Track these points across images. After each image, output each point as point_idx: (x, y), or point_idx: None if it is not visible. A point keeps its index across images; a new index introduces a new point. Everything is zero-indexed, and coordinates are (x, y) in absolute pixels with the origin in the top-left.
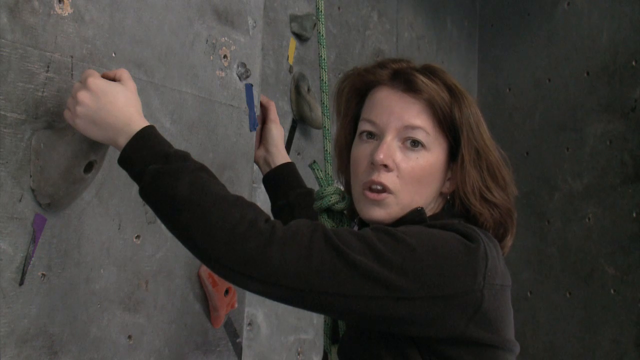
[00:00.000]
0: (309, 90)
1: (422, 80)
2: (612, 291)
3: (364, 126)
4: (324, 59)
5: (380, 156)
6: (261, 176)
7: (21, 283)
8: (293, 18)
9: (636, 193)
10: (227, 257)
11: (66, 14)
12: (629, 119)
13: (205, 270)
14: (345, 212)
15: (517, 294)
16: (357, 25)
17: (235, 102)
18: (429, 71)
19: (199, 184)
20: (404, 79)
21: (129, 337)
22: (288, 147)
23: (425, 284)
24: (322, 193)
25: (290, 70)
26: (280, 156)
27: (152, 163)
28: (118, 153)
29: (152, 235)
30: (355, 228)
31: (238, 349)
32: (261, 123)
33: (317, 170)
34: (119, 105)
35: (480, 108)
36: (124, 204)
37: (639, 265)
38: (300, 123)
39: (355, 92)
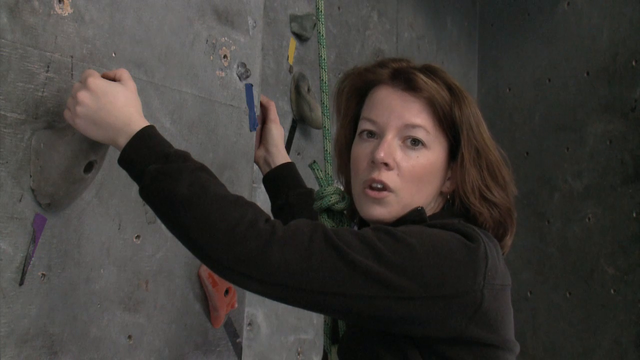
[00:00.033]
0: (309, 90)
1: (422, 79)
2: (612, 291)
3: (364, 125)
4: (324, 59)
5: (381, 154)
6: (261, 176)
7: (21, 283)
8: (293, 18)
9: (636, 193)
10: (227, 257)
11: (66, 14)
12: (629, 119)
13: (205, 270)
14: (345, 212)
15: (517, 294)
16: (357, 25)
17: (235, 102)
18: (429, 70)
19: (199, 183)
20: (404, 77)
21: (129, 337)
22: (288, 147)
23: (425, 284)
24: (322, 193)
25: (290, 70)
26: (280, 156)
27: (152, 163)
28: (118, 153)
29: (152, 235)
30: (355, 228)
31: (238, 349)
32: (261, 123)
33: (317, 170)
34: (118, 105)
35: (480, 108)
36: (124, 204)
37: (639, 265)
38: (300, 123)
39: (356, 91)
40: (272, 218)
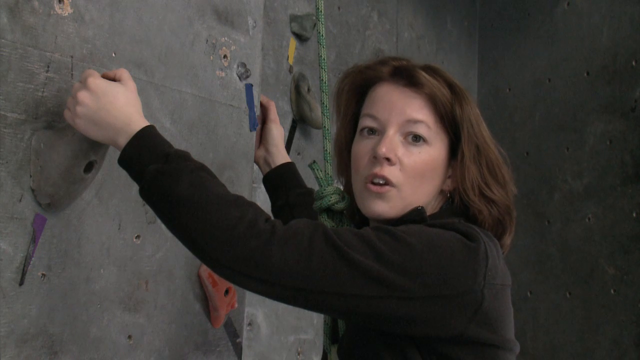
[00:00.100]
0: (309, 90)
1: (423, 75)
2: (612, 291)
3: (365, 122)
4: (324, 59)
5: (383, 149)
6: (261, 176)
7: (21, 283)
8: (293, 18)
9: (636, 193)
10: (227, 256)
11: (66, 14)
12: (629, 119)
13: (205, 270)
14: (345, 212)
15: (517, 294)
16: (357, 25)
17: (235, 102)
18: (430, 69)
19: (199, 183)
20: (405, 74)
21: (129, 337)
22: (288, 147)
23: (425, 284)
24: (322, 193)
25: (290, 70)
26: (280, 156)
27: (152, 163)
28: (118, 153)
29: (152, 235)
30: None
31: (238, 349)
32: (261, 123)
33: (317, 170)
34: (118, 105)
35: (480, 108)
36: (124, 204)
37: (639, 265)
38: (300, 123)
39: (356, 90)
40: (272, 218)
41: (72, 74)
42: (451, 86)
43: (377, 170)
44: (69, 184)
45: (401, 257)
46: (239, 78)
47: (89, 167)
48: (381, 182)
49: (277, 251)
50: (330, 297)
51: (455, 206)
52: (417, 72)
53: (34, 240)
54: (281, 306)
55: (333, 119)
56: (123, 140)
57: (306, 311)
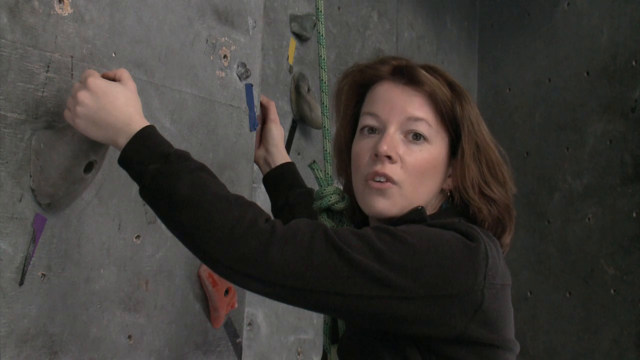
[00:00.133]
0: (309, 90)
1: (423, 73)
2: (612, 291)
3: (365, 120)
4: (324, 59)
5: (384, 147)
6: (261, 176)
7: (21, 283)
8: (293, 18)
9: (636, 193)
10: (227, 256)
11: (66, 14)
12: (629, 119)
13: (205, 270)
14: (344, 212)
15: (517, 294)
16: (357, 25)
17: (235, 102)
18: (430, 68)
19: (199, 183)
20: (405, 72)
21: (129, 337)
22: (288, 147)
23: (425, 284)
24: (322, 193)
25: (290, 70)
26: (280, 156)
27: (152, 163)
28: (118, 153)
29: (152, 235)
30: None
31: (238, 349)
32: (261, 123)
33: (317, 170)
34: (118, 105)
35: (480, 108)
36: (124, 204)
37: (639, 265)
38: (300, 123)
39: (356, 89)
40: (272, 218)
41: (72, 74)
42: (451, 85)
43: (378, 168)
44: (69, 184)
45: (401, 257)
46: (239, 78)
47: (89, 167)
48: (382, 180)
49: (277, 251)
50: (330, 297)
51: (455, 205)
52: (418, 71)
53: (34, 240)
54: (281, 306)
55: (333, 119)
56: (123, 140)
57: (306, 311)
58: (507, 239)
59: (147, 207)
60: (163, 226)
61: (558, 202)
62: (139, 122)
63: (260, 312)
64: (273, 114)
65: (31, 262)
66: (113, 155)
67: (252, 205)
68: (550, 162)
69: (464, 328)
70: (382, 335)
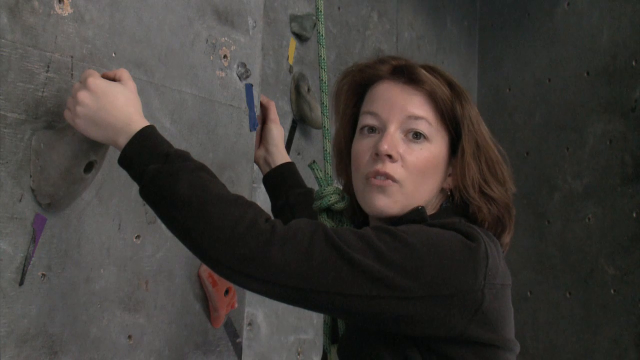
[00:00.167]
0: (309, 90)
1: (423, 73)
2: (612, 291)
3: (365, 120)
4: (324, 59)
5: (385, 146)
6: (261, 176)
7: (21, 283)
8: (293, 18)
9: (636, 193)
10: (227, 256)
11: (66, 14)
12: (629, 119)
13: (205, 270)
14: (344, 212)
15: (517, 294)
16: (357, 25)
17: (235, 102)
18: (429, 67)
19: (199, 183)
20: (405, 72)
21: (129, 337)
22: (288, 147)
23: (425, 283)
24: (322, 193)
25: (290, 70)
26: (280, 156)
27: (152, 163)
28: (118, 153)
29: (152, 235)
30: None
31: (238, 349)
32: (261, 123)
33: (317, 170)
34: (118, 105)
35: (480, 108)
36: (124, 204)
37: (639, 265)
38: (300, 123)
39: (355, 89)
40: (272, 218)
41: (72, 74)
42: (450, 84)
43: (379, 167)
44: (69, 184)
45: (401, 257)
46: (239, 78)
47: (89, 167)
48: (383, 178)
49: (278, 251)
50: (330, 297)
51: (455, 204)
52: (417, 70)
53: (34, 240)
54: (281, 306)
55: (333, 118)
56: (123, 140)
57: (306, 311)
58: (506, 238)
59: (147, 207)
60: (163, 226)
61: (558, 202)
62: (139, 122)
63: (260, 312)
64: (273, 114)
65: (31, 262)
66: (113, 155)
67: (252, 205)
68: (550, 162)
69: (464, 328)
70: (382, 335)
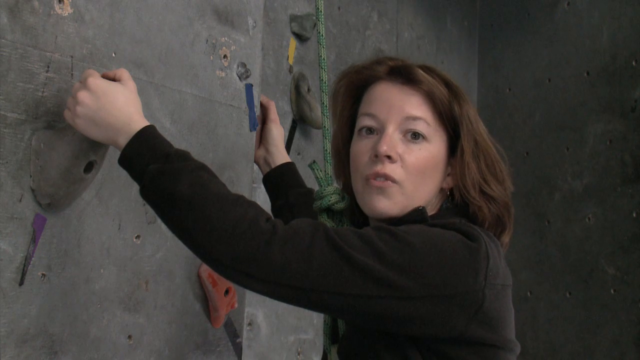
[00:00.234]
0: (309, 90)
1: (421, 73)
2: (612, 291)
3: (363, 121)
4: (324, 59)
5: (384, 147)
6: (261, 176)
7: (21, 283)
8: (293, 18)
9: (636, 193)
10: (228, 256)
11: (66, 14)
12: (629, 119)
13: (205, 270)
14: (344, 212)
15: (517, 294)
16: (357, 25)
17: (235, 102)
18: (426, 67)
19: (199, 183)
20: (402, 72)
21: (129, 337)
22: (288, 147)
23: (426, 284)
24: (322, 193)
25: (290, 70)
26: (280, 156)
27: (152, 163)
28: (118, 153)
29: (152, 235)
30: None
31: (238, 349)
32: (261, 123)
33: (317, 170)
34: (118, 105)
35: (480, 108)
36: (124, 204)
37: (639, 265)
38: (300, 123)
39: (353, 90)
40: (272, 217)
41: (72, 74)
42: (448, 84)
43: (378, 168)
44: (69, 184)
45: (402, 257)
46: (239, 78)
47: (89, 167)
48: (383, 179)
49: (278, 251)
50: (330, 297)
51: (456, 204)
52: (415, 70)
53: (34, 240)
54: (281, 306)
55: (333, 119)
56: (123, 140)
57: (306, 311)
58: (506, 237)
59: (147, 207)
60: (163, 226)
61: (558, 202)
62: (139, 122)
63: (260, 312)
64: (273, 114)
65: (31, 262)
66: (113, 155)
67: (253, 205)
68: (550, 162)
69: (464, 328)
70: (382, 335)
